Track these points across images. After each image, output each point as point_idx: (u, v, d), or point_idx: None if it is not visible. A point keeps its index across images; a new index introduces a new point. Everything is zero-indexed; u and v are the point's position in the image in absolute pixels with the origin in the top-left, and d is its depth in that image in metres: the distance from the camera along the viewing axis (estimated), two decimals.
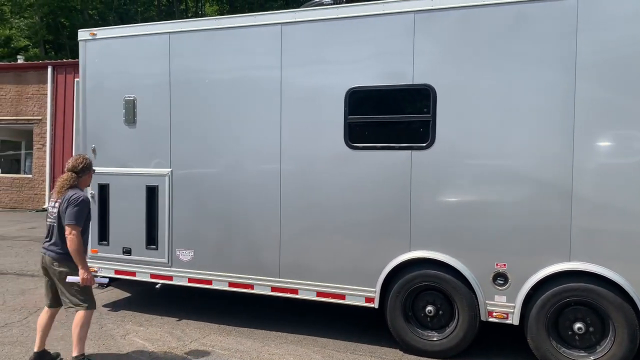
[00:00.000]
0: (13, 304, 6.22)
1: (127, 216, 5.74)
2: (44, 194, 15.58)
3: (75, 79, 14.45)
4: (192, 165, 5.53)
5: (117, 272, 5.79)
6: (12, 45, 28.33)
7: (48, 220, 4.40)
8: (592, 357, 4.25)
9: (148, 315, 5.82)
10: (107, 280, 5.74)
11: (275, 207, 5.17)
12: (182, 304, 6.22)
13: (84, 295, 4.28)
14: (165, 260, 5.60)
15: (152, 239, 5.65)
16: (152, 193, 5.64)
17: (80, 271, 4.17)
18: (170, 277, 5.61)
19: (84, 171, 4.44)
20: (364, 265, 4.87)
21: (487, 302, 4.51)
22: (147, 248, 5.67)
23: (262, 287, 5.25)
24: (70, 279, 4.18)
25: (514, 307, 4.42)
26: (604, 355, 4.20)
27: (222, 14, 31.69)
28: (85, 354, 4.30)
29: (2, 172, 16.62)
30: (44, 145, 15.55)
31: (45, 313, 4.42)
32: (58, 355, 4.57)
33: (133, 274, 5.77)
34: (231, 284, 5.37)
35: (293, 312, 5.91)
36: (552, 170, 4.32)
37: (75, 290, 4.24)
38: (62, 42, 30.20)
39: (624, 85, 4.14)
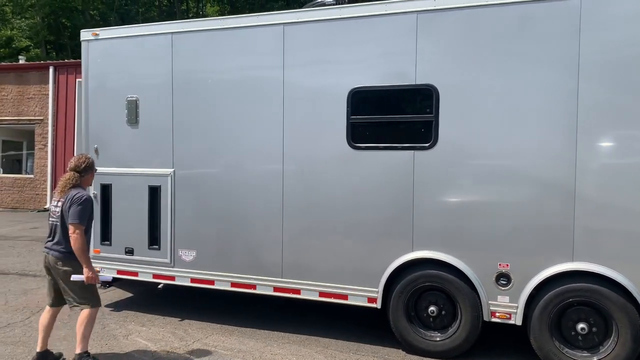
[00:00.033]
0: (15, 304, 6.23)
1: (130, 216, 5.74)
2: (46, 194, 15.59)
3: (77, 79, 14.47)
4: (195, 166, 5.54)
5: (119, 272, 5.79)
6: (14, 45, 28.37)
7: (50, 219, 4.40)
8: (595, 358, 4.24)
9: (150, 315, 5.83)
10: (110, 277, 5.73)
11: (277, 207, 5.18)
12: (184, 304, 6.23)
13: (88, 294, 4.31)
14: (167, 260, 5.60)
15: (154, 239, 5.66)
16: (154, 193, 5.64)
17: (85, 270, 4.20)
18: (172, 277, 5.62)
19: (86, 170, 4.46)
20: (367, 265, 4.87)
21: (489, 302, 4.51)
22: (149, 248, 5.67)
23: (264, 287, 5.25)
24: (74, 277, 4.20)
25: (517, 307, 4.42)
26: (607, 355, 4.20)
27: (223, 14, 31.72)
28: (89, 351, 4.32)
29: (4, 173, 16.65)
30: (45, 145, 15.57)
31: (46, 312, 4.42)
32: (61, 355, 4.58)
33: (135, 274, 5.77)
34: (233, 284, 5.37)
35: (294, 312, 5.92)
36: (555, 170, 4.31)
37: (80, 288, 4.26)
38: (64, 42, 30.24)
39: (627, 86, 4.13)
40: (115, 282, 6.29)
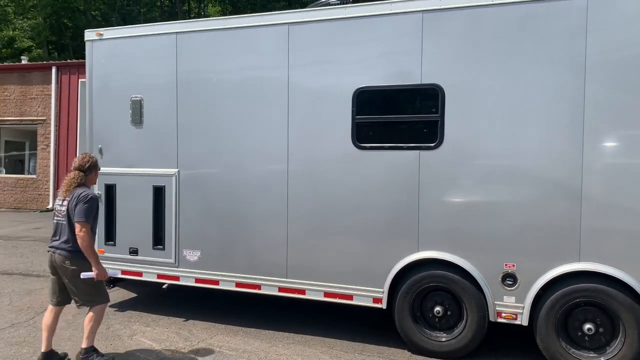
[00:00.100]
0: (19, 304, 6.23)
1: (134, 216, 5.74)
2: (48, 194, 15.60)
3: (80, 80, 14.48)
4: (199, 166, 5.53)
5: (123, 272, 5.78)
6: (16, 45, 28.37)
7: (55, 218, 4.41)
8: (602, 358, 4.22)
9: (155, 316, 5.82)
10: (118, 272, 5.66)
11: (282, 208, 5.17)
12: (188, 304, 6.22)
13: (96, 291, 4.36)
14: (172, 260, 5.60)
15: (159, 239, 5.65)
16: (159, 193, 5.64)
17: (94, 266, 4.24)
18: (177, 278, 5.61)
19: (90, 170, 4.50)
20: (372, 265, 4.85)
21: (496, 302, 4.49)
22: (154, 248, 5.66)
23: (269, 287, 5.24)
24: (84, 275, 4.22)
25: (523, 307, 4.41)
26: (614, 356, 4.18)
27: (224, 14, 31.73)
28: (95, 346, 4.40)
29: (6, 173, 16.65)
30: (48, 145, 15.57)
31: (50, 312, 4.42)
32: (66, 355, 4.58)
33: (140, 274, 5.77)
34: (238, 284, 5.36)
35: (298, 312, 5.90)
36: (562, 170, 4.30)
37: (88, 287, 4.29)
38: (65, 42, 30.26)
39: (634, 86, 4.11)
40: (119, 283, 6.30)
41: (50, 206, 15.40)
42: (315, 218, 5.06)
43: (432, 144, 4.64)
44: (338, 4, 5.29)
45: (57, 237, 4.34)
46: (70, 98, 15.15)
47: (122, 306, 6.19)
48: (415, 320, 4.77)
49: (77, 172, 4.42)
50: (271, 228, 5.22)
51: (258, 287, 5.28)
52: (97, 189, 5.74)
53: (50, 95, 15.41)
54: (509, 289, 4.45)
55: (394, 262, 4.76)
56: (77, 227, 4.18)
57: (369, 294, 4.87)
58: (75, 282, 4.27)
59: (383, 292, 4.81)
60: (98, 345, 4.55)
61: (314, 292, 5.07)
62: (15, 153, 17.30)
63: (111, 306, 6.09)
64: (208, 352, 4.82)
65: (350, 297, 4.94)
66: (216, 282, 5.44)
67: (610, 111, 4.18)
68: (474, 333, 4.56)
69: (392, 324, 4.89)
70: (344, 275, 4.95)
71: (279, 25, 5.16)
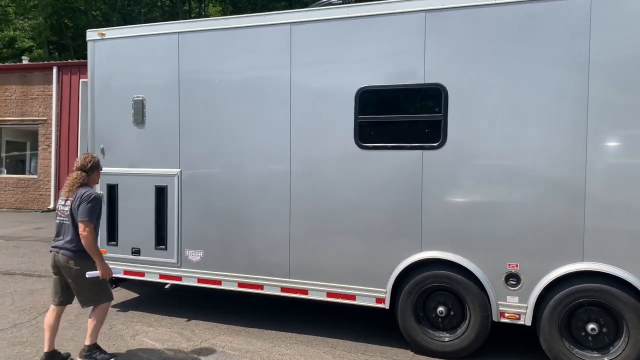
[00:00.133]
0: (22, 304, 6.22)
1: (136, 216, 5.74)
2: (49, 195, 15.60)
3: (81, 80, 14.46)
4: (201, 166, 5.52)
5: (125, 272, 5.77)
6: (17, 46, 28.38)
7: (58, 218, 4.41)
8: (605, 358, 4.21)
9: (157, 316, 5.82)
10: (121, 269, 5.62)
11: (284, 208, 5.16)
12: (190, 304, 6.22)
13: (100, 290, 4.40)
14: (174, 260, 5.59)
15: (161, 239, 5.65)
16: (161, 193, 5.63)
17: (99, 265, 4.27)
18: (179, 278, 5.61)
19: (92, 170, 4.52)
20: (375, 265, 4.85)
21: (499, 302, 4.49)
22: (156, 248, 5.66)
23: (271, 287, 5.23)
24: (89, 274, 4.24)
25: (527, 307, 4.40)
26: (617, 356, 4.17)
27: (225, 14, 31.72)
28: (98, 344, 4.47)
29: (8, 173, 16.65)
30: (49, 146, 15.57)
31: (52, 312, 4.42)
32: (69, 355, 4.58)
33: (142, 274, 5.76)
34: (240, 284, 5.36)
35: (300, 312, 5.90)
36: (565, 170, 4.29)
37: (92, 286, 4.32)
38: (66, 43, 30.27)
39: (637, 85, 4.10)
40: (121, 283, 6.30)
41: (51, 206, 15.40)
42: (317, 218, 5.06)
43: (435, 144, 4.63)
44: (340, 4, 5.28)
45: (61, 237, 4.35)
46: (72, 98, 15.14)
47: (124, 306, 6.18)
48: (418, 320, 4.76)
49: (79, 172, 4.44)
50: (273, 228, 5.21)
51: (260, 287, 5.28)
52: (99, 189, 5.74)
53: (52, 95, 15.41)
54: (512, 289, 4.45)
55: (397, 262, 4.76)
56: (81, 226, 4.20)
57: (372, 294, 4.87)
58: (79, 282, 4.29)
59: (386, 292, 4.81)
60: (100, 345, 4.54)
61: (317, 292, 5.07)
62: (16, 153, 17.30)
63: (113, 306, 6.09)
64: (211, 352, 4.82)
65: (353, 297, 4.94)
66: (219, 282, 5.44)
67: (613, 111, 4.17)
68: (477, 333, 4.55)
69: (395, 324, 4.89)
70: (347, 275, 4.94)
71: (281, 25, 5.15)
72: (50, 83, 15.38)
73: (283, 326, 5.50)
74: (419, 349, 4.78)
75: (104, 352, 4.46)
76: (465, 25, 4.56)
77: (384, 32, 4.80)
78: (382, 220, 4.82)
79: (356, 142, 4.88)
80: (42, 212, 15.31)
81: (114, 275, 4.50)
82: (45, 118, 15.63)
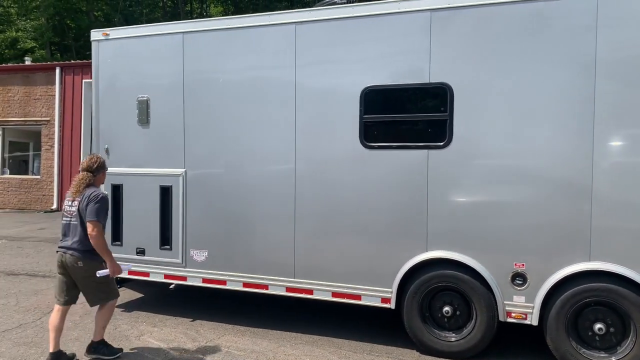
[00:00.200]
0: (26, 304, 6.22)
1: (141, 216, 5.73)
2: (52, 195, 15.62)
3: (83, 80, 14.49)
4: (206, 165, 5.52)
5: (130, 272, 5.76)
6: (19, 46, 28.41)
7: (64, 219, 4.42)
8: (613, 358, 4.19)
9: (162, 316, 5.81)
10: (130, 265, 5.58)
11: (289, 207, 5.15)
12: (195, 305, 6.21)
13: (107, 288, 4.48)
14: (179, 260, 5.59)
15: (165, 240, 5.64)
16: (165, 193, 5.63)
17: (109, 264, 4.32)
18: (184, 278, 5.60)
19: (98, 170, 4.56)
20: (380, 265, 4.83)
21: (505, 302, 4.47)
22: (161, 248, 5.66)
23: (276, 287, 5.22)
24: (100, 273, 4.29)
25: (533, 307, 4.38)
26: (625, 356, 4.15)
27: (226, 14, 31.73)
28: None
29: (11, 173, 16.67)
30: (52, 146, 15.59)
31: (56, 312, 4.42)
32: (74, 355, 4.58)
33: (147, 274, 5.76)
34: (245, 284, 5.35)
35: (305, 312, 5.89)
36: (572, 169, 4.27)
37: (100, 285, 4.38)
38: (68, 43, 30.28)
39: None
40: (125, 283, 6.29)
41: (54, 207, 15.43)
42: (322, 217, 5.04)
43: (440, 143, 4.62)
44: (344, 3, 5.27)
45: (68, 238, 4.36)
46: (74, 98, 15.16)
47: (129, 306, 6.18)
48: (424, 320, 4.75)
49: (85, 172, 4.47)
50: (279, 228, 5.20)
51: (265, 287, 5.27)
52: (104, 189, 5.73)
53: (54, 95, 15.43)
54: (518, 288, 4.43)
55: (403, 262, 4.74)
56: (90, 226, 4.23)
57: (378, 294, 4.85)
58: (88, 281, 4.32)
59: (391, 292, 4.79)
60: None
61: (322, 292, 5.06)
62: (19, 154, 17.33)
63: (118, 306, 6.08)
64: (216, 352, 4.81)
65: (358, 297, 4.93)
66: (223, 282, 5.43)
67: (620, 109, 4.15)
68: (484, 333, 4.54)
69: (401, 324, 4.87)
70: (352, 275, 4.93)
71: (286, 25, 5.14)
72: (53, 84, 15.41)
73: (288, 326, 5.49)
74: (424, 349, 4.77)
75: (112, 347, 4.61)
76: (470, 25, 4.55)
77: (389, 31, 4.79)
78: (388, 220, 4.81)
79: (361, 142, 4.87)
80: (45, 212, 15.33)
81: (124, 269, 4.55)
82: (48, 119, 15.65)
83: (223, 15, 31.00)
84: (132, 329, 5.39)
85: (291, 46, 5.12)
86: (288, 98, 5.14)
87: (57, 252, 4.41)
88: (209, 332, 5.33)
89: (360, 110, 4.86)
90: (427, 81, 4.66)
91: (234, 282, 5.39)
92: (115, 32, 5.97)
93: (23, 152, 17.32)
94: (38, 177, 16.03)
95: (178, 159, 5.60)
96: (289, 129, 5.15)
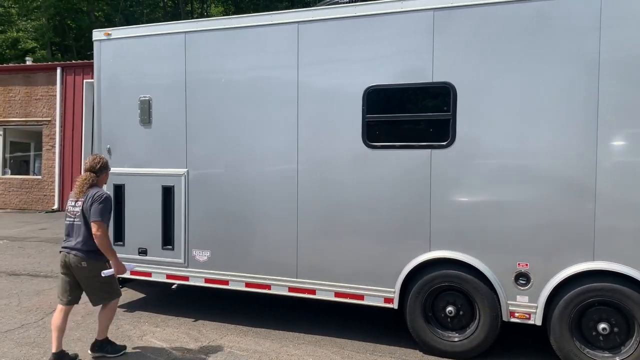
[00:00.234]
0: (28, 304, 6.22)
1: (143, 216, 5.72)
2: (54, 195, 15.62)
3: (85, 80, 14.44)
4: (209, 165, 5.51)
5: (132, 272, 5.76)
6: (20, 47, 28.42)
7: (67, 219, 4.42)
8: (617, 358, 4.19)
9: (164, 316, 5.80)
10: (134, 265, 5.57)
11: (292, 207, 5.14)
12: (197, 305, 6.20)
13: (110, 288, 4.50)
14: (181, 260, 5.58)
15: (168, 240, 5.64)
16: (168, 193, 5.62)
17: (113, 263, 4.35)
18: (186, 278, 5.59)
19: (101, 170, 4.58)
20: (383, 265, 4.83)
21: (508, 302, 4.46)
22: (163, 248, 5.65)
23: (279, 287, 5.22)
24: (105, 273, 4.31)
25: (537, 307, 4.37)
26: (629, 356, 4.14)
27: (227, 14, 31.73)
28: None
29: (12, 174, 16.68)
30: (53, 146, 15.60)
31: (59, 312, 4.42)
32: (76, 356, 4.57)
33: (149, 274, 5.75)
34: (248, 284, 5.34)
35: (308, 312, 5.88)
36: (575, 168, 4.26)
37: (104, 285, 4.40)
38: (69, 43, 30.29)
39: None
40: (127, 283, 6.28)
41: (55, 207, 15.43)
42: (325, 218, 5.03)
43: (443, 143, 4.61)
44: (347, 3, 5.26)
45: (71, 238, 4.36)
46: (75, 99, 15.17)
47: (131, 307, 6.17)
48: (427, 320, 4.74)
49: (88, 173, 4.49)
50: (281, 228, 5.19)
51: (268, 287, 5.26)
52: (106, 190, 5.72)
53: (55, 96, 15.44)
54: (522, 288, 4.42)
55: (406, 262, 4.73)
56: (94, 226, 4.23)
57: (380, 294, 4.84)
58: (91, 281, 4.33)
59: (394, 292, 4.78)
60: None
61: (325, 292, 5.05)
62: (20, 154, 17.33)
63: (120, 306, 6.07)
64: (219, 352, 4.81)
65: (361, 297, 4.92)
66: (226, 282, 5.42)
67: (624, 109, 4.14)
68: (487, 333, 4.53)
69: (404, 324, 4.87)
70: (355, 275, 4.92)
71: (289, 24, 5.14)
72: (54, 84, 15.42)
73: (291, 326, 5.49)
74: (428, 349, 4.76)
75: (115, 345, 4.66)
76: (473, 24, 4.54)
77: (392, 30, 4.78)
78: (391, 220, 4.80)
79: (364, 142, 4.86)
80: (46, 212, 15.34)
81: (128, 269, 4.57)
82: (49, 119, 15.66)
83: (223, 15, 31.00)
84: (134, 329, 5.38)
85: (294, 46, 5.11)
86: (290, 98, 5.13)
87: (60, 252, 4.41)
88: (212, 332, 5.32)
89: (363, 109, 4.86)
90: (430, 81, 4.65)
91: (237, 282, 5.38)
92: (117, 32, 5.96)
93: (24, 152, 17.33)
94: (39, 177, 16.04)
95: (180, 159, 5.59)
96: (291, 129, 5.14)
